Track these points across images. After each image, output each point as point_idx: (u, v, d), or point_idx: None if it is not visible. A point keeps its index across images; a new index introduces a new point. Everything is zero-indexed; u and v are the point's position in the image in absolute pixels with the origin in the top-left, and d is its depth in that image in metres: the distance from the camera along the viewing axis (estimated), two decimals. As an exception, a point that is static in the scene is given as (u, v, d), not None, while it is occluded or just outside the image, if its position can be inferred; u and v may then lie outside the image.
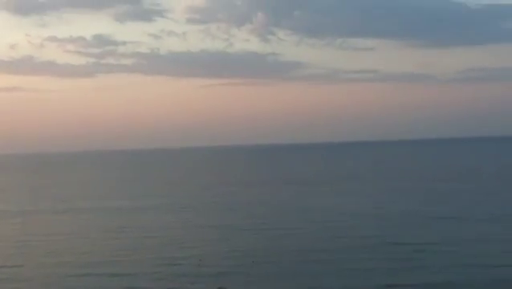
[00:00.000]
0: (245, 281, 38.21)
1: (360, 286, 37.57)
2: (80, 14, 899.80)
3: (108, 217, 72.98)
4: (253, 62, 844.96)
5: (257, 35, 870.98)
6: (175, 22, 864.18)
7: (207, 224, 64.81)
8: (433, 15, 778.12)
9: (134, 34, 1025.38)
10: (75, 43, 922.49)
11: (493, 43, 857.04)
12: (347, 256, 45.96)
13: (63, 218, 73.09)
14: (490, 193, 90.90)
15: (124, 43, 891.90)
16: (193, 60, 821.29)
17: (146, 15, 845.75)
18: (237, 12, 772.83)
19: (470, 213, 69.66)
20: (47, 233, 60.72)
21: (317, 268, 41.81)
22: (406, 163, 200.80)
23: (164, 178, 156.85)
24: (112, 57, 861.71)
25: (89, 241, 55.56)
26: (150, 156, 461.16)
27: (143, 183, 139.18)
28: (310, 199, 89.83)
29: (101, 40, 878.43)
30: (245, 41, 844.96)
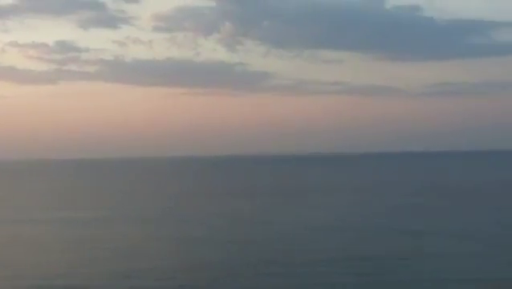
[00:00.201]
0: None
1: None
2: (43, 20, 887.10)
3: (62, 229, 71.43)
4: (220, 72, 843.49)
5: (224, 45, 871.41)
6: (141, 30, 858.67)
7: (164, 236, 63.72)
8: (402, 29, 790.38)
9: (98, 41, 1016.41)
10: (37, 49, 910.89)
11: (459, 58, 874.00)
12: (308, 270, 45.32)
13: (13, 229, 71.14)
14: (453, 208, 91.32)
15: (88, 50, 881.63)
16: (158, 69, 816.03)
17: (111, 22, 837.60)
18: (205, 21, 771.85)
19: (433, 228, 69.70)
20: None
21: (277, 282, 41.05)
22: (370, 176, 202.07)
23: (122, 188, 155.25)
24: (75, 64, 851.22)
25: (43, 252, 53.93)
26: (109, 166, 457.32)
27: (99, 193, 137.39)
28: (272, 211, 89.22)
29: (64, 46, 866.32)
30: (212, 50, 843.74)
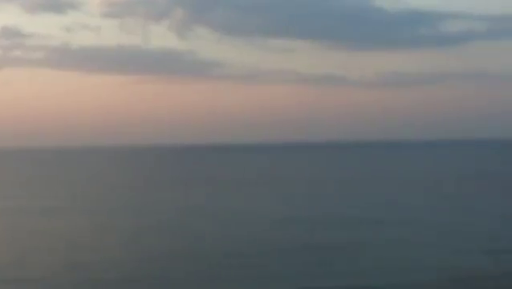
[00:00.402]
0: (155, 287, 37.01)
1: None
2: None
3: (8, 219, 69.82)
4: (171, 59, 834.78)
5: (175, 32, 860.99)
6: (89, 16, 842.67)
7: (115, 226, 62.98)
8: (354, 18, 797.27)
9: (44, 27, 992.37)
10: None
11: (411, 48, 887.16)
12: (263, 260, 45.36)
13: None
14: (405, 196, 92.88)
15: (34, 36, 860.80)
16: (106, 55, 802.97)
17: (58, 7, 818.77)
18: (155, 7, 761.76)
19: (385, 216, 70.78)
20: None
21: (232, 273, 40.93)
22: (324, 165, 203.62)
23: (72, 178, 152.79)
24: (20, 50, 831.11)
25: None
26: (57, 155, 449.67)
27: (47, 183, 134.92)
28: (225, 201, 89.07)
29: (9, 32, 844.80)
30: (162, 37, 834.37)
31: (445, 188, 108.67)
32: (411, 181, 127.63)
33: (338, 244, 52.04)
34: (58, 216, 72.47)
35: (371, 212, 74.95)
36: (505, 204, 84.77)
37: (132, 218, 70.31)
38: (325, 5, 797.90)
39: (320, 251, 49.01)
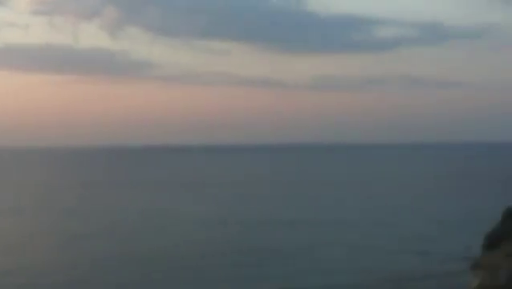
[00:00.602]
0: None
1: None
2: None
3: None
4: (102, 59, 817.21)
5: (107, 31, 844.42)
6: (17, 13, 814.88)
7: (48, 230, 61.59)
8: (287, 22, 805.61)
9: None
10: None
11: (344, 52, 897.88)
12: (200, 263, 45.38)
13: None
14: (339, 197, 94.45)
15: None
16: (35, 54, 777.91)
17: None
18: (87, 5, 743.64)
19: (319, 217, 71.86)
20: None
21: (169, 276, 40.77)
22: (260, 168, 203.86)
23: (3, 179, 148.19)
24: None
25: None
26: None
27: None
28: (162, 203, 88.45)
29: None
30: (93, 36, 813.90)
31: (377, 190, 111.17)
32: (344, 182, 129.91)
33: (273, 246, 52.52)
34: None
35: (305, 214, 76.01)
36: (438, 205, 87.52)
37: (61, 221, 68.99)
38: (259, 8, 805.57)
39: (256, 254, 49.40)
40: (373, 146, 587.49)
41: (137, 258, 46.12)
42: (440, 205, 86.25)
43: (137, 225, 65.98)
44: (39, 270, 41.11)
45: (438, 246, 54.13)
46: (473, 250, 45.17)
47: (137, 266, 43.37)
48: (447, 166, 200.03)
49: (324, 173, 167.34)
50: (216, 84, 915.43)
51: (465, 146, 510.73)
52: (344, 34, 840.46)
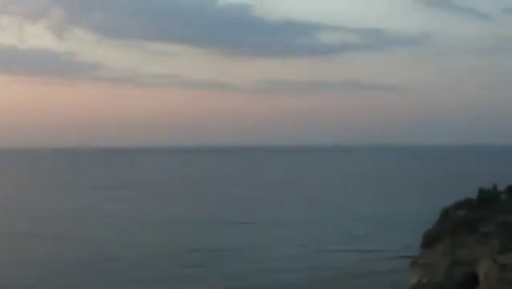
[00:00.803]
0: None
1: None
2: None
3: None
4: (48, 60, 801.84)
5: (53, 32, 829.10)
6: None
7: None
8: (233, 26, 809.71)
9: None
10: None
11: (289, 57, 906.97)
12: (145, 264, 45.52)
13: None
14: (283, 200, 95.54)
15: None
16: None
17: None
18: (32, 5, 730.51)
19: (262, 218, 72.69)
20: None
21: (113, 277, 40.85)
22: (206, 170, 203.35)
23: None
24: None
25: None
26: None
27: None
28: (110, 204, 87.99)
29: None
30: (39, 37, 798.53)
31: (318, 191, 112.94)
32: (287, 183, 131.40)
33: (216, 246, 53.12)
34: None
35: (248, 214, 76.77)
36: (377, 205, 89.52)
37: (13, 222, 68.08)
38: (206, 11, 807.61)
39: (199, 254, 49.89)
40: (317, 148, 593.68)
41: (77, 261, 45.96)
42: (380, 206, 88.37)
43: (80, 226, 65.57)
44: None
45: (379, 245, 55.74)
46: (412, 249, 46.81)
47: (86, 267, 43.30)
48: (387, 168, 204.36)
49: (266, 174, 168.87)
50: (163, 86, 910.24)
51: (402, 149, 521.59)
52: (289, 39, 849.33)
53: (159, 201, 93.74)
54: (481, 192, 49.53)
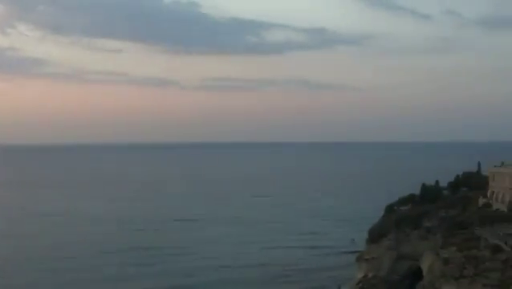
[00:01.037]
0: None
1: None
2: None
3: None
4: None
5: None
6: None
7: None
8: (180, 23, 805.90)
9: None
10: None
11: (237, 54, 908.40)
12: (88, 263, 45.16)
13: None
14: (224, 198, 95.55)
15: None
16: None
17: None
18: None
19: (210, 215, 72.83)
20: None
21: (59, 278, 40.37)
22: (151, 168, 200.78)
23: None
24: None
25: None
26: None
27: None
28: (42, 203, 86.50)
29: None
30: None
31: (267, 187, 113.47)
32: (232, 180, 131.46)
33: (164, 244, 53.08)
34: None
35: (196, 211, 76.71)
36: (324, 202, 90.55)
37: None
38: (152, 8, 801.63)
39: (148, 251, 49.77)
40: (264, 144, 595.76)
41: (29, 258, 45.36)
42: (328, 202, 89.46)
43: (26, 225, 64.57)
44: None
45: (326, 240, 56.70)
46: (358, 244, 47.92)
47: (30, 267, 42.77)
48: (332, 165, 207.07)
49: (212, 171, 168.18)
50: (107, 83, 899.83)
51: (347, 146, 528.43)
52: (236, 37, 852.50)
53: (105, 199, 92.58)
54: (424, 188, 51.16)
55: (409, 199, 53.25)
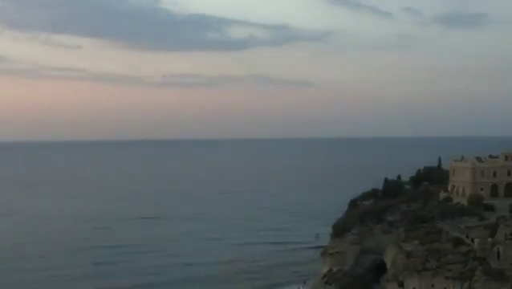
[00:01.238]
0: None
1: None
2: None
3: None
4: None
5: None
6: None
7: None
8: (141, 19, 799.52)
9: None
10: None
11: (198, 51, 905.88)
12: (51, 262, 44.59)
13: None
14: (194, 193, 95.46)
15: None
16: None
17: None
18: None
19: (172, 213, 72.57)
20: None
21: (16, 278, 39.81)
22: (111, 165, 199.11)
23: None
24: None
25: None
26: None
27: None
28: (13, 201, 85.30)
29: None
30: None
31: (226, 184, 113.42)
32: (194, 177, 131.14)
33: (126, 242, 52.76)
34: None
35: (154, 208, 76.24)
36: (290, 197, 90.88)
37: None
38: (112, 4, 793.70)
39: (110, 250, 49.43)
40: (227, 141, 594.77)
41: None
42: (293, 198, 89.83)
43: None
44: None
45: (292, 237, 56.98)
46: (323, 239, 48.32)
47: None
48: (297, 160, 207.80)
49: (173, 168, 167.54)
50: (68, 79, 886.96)
51: (310, 141, 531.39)
52: (198, 33, 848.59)
53: (62, 198, 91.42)
54: (387, 182, 51.85)
55: (372, 194, 53.97)
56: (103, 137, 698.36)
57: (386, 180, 52.19)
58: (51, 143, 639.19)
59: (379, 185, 49.59)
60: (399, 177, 55.21)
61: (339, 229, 45.43)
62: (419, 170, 56.74)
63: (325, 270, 41.69)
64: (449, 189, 48.69)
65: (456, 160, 49.11)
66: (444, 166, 54.20)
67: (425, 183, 54.73)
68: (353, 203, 50.66)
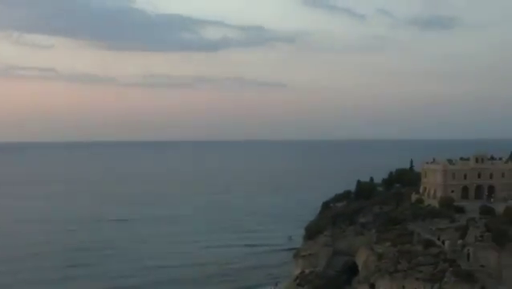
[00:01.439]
0: None
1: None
2: None
3: None
4: None
5: None
6: None
7: None
8: (115, 19, 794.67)
9: None
10: None
11: (173, 51, 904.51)
12: (25, 266, 44.24)
13: None
14: (168, 195, 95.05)
15: None
16: None
17: None
18: None
19: (146, 215, 72.21)
20: None
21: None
22: (85, 167, 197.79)
23: None
24: None
25: None
26: None
27: None
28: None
29: None
30: None
31: (200, 186, 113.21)
32: (166, 178, 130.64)
33: (100, 244, 52.34)
34: None
35: (129, 210, 75.80)
36: (262, 200, 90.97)
37: None
38: (85, 4, 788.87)
39: (83, 253, 49.03)
40: (204, 143, 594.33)
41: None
42: (266, 200, 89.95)
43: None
44: None
45: (264, 239, 57.02)
46: (296, 241, 48.38)
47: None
48: (271, 162, 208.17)
49: (147, 169, 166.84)
50: (39, 79, 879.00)
51: (288, 143, 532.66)
52: (174, 34, 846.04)
53: (34, 199, 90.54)
54: (359, 184, 52.14)
55: (345, 196, 54.25)
56: (77, 138, 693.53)
57: (359, 182, 52.49)
58: (22, 144, 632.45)
59: (352, 187, 49.84)
60: (371, 179, 55.56)
61: (312, 232, 45.59)
62: (391, 172, 57.17)
63: (297, 272, 41.79)
64: (421, 191, 49.11)
65: (427, 163, 49.57)
66: (417, 168, 54.70)
67: (397, 185, 55.19)
68: (326, 205, 50.87)
